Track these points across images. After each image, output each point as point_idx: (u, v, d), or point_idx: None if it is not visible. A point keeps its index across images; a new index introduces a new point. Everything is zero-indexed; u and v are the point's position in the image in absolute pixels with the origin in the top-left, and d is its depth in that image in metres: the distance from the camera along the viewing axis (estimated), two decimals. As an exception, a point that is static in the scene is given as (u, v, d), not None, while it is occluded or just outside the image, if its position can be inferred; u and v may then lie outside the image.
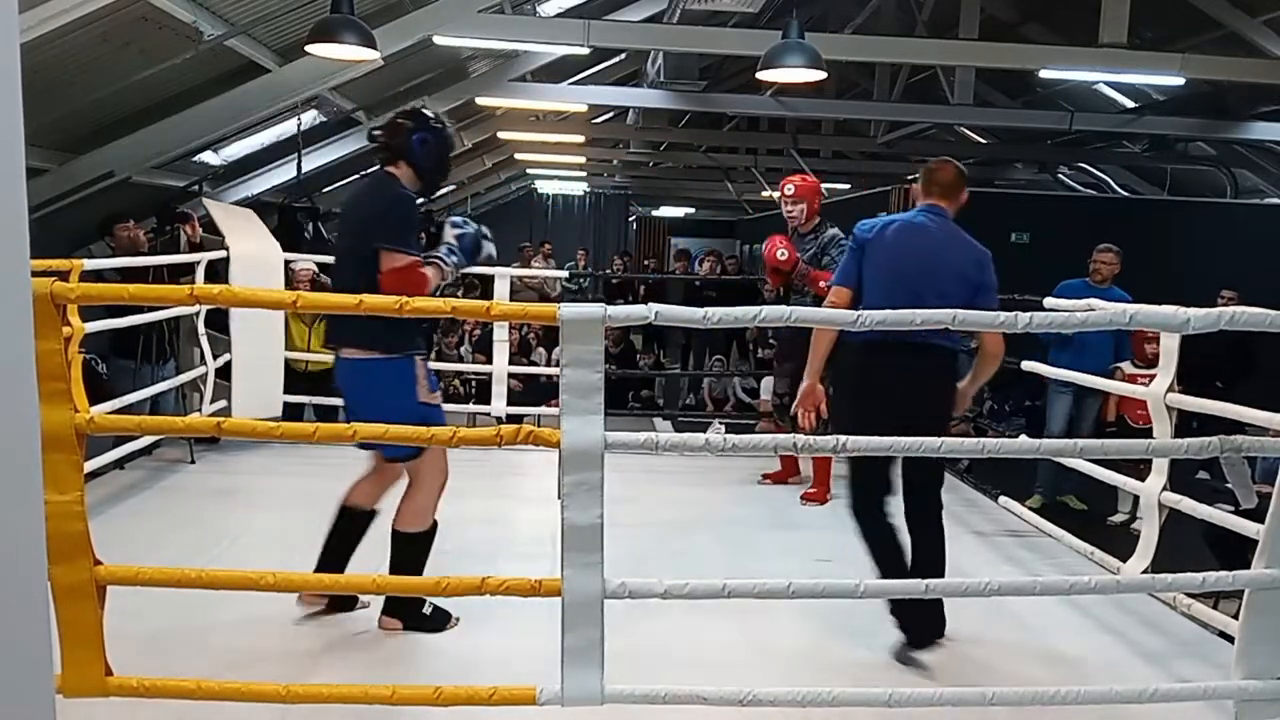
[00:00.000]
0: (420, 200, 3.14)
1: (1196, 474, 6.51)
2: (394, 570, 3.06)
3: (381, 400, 2.96)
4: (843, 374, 3.39)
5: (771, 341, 5.31)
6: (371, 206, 3.08)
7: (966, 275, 3.22)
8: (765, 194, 16.88)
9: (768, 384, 7.84)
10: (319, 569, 3.09)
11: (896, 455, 2.91)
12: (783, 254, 4.91)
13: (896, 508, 3.27)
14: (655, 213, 24.01)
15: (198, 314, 5.27)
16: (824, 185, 15.10)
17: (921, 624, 3.14)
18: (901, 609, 3.13)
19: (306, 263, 6.17)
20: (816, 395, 3.43)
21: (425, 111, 3.25)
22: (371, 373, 3.00)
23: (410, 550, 3.12)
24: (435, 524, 3.20)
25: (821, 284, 4.74)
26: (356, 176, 11.86)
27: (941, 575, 3.14)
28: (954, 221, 3.37)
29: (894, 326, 2.52)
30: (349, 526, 3.25)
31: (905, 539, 3.22)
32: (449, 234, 3.18)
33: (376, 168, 3.22)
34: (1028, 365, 4.99)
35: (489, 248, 3.30)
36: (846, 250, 3.45)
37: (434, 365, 8.98)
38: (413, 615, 3.16)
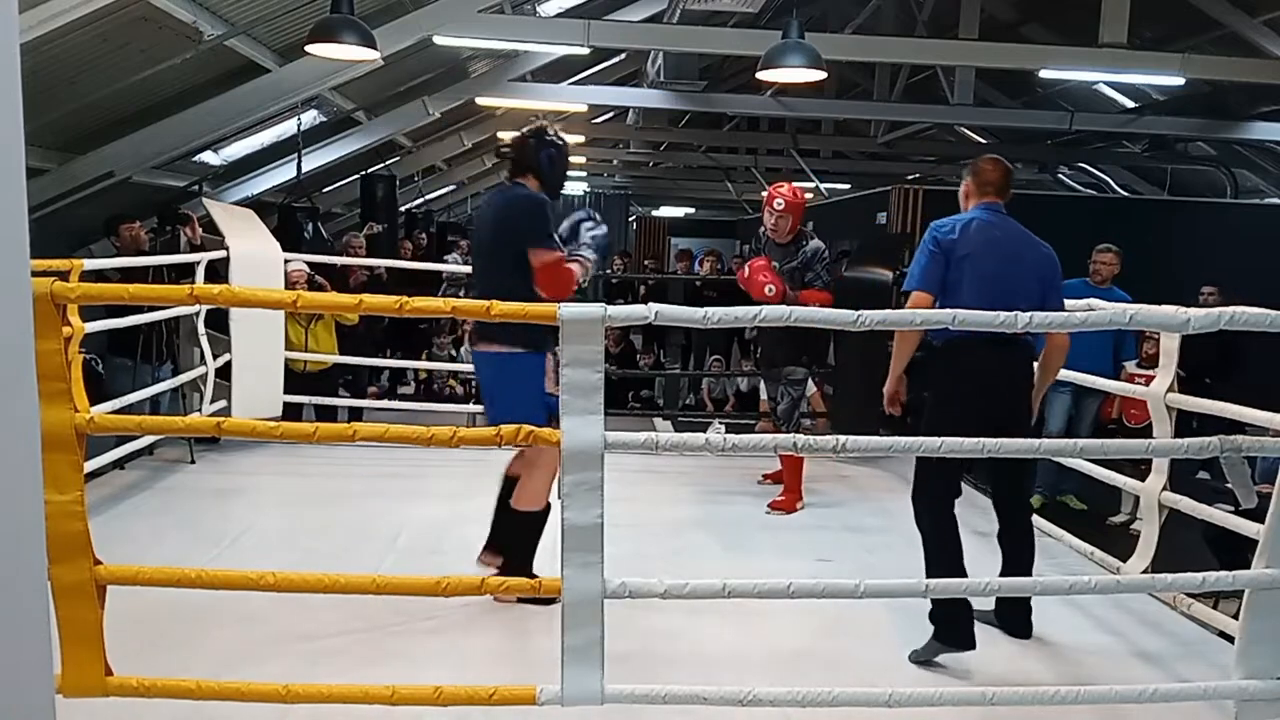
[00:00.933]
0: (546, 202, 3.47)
1: (1197, 474, 6.50)
2: (507, 546, 3.42)
3: (517, 389, 3.34)
4: (937, 376, 3.33)
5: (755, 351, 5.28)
6: (515, 214, 3.41)
7: (1044, 274, 3.29)
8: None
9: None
10: (492, 532, 3.57)
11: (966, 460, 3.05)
12: (770, 290, 4.72)
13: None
14: (655, 213, 24.00)
15: (198, 314, 5.27)
16: (824, 186, 15.12)
17: (1024, 619, 3.35)
18: (1005, 611, 3.34)
19: (298, 264, 6.16)
20: (899, 394, 3.51)
21: (548, 129, 3.57)
22: (512, 365, 3.35)
23: (524, 528, 3.43)
24: (549, 506, 3.39)
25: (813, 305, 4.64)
26: (355, 177, 11.91)
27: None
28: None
29: (894, 326, 2.53)
30: (509, 491, 3.62)
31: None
32: (586, 233, 3.57)
33: (505, 180, 3.59)
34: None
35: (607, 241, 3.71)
36: (924, 254, 3.29)
37: (433, 365, 8.91)
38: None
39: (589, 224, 3.61)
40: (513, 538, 3.46)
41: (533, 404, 3.22)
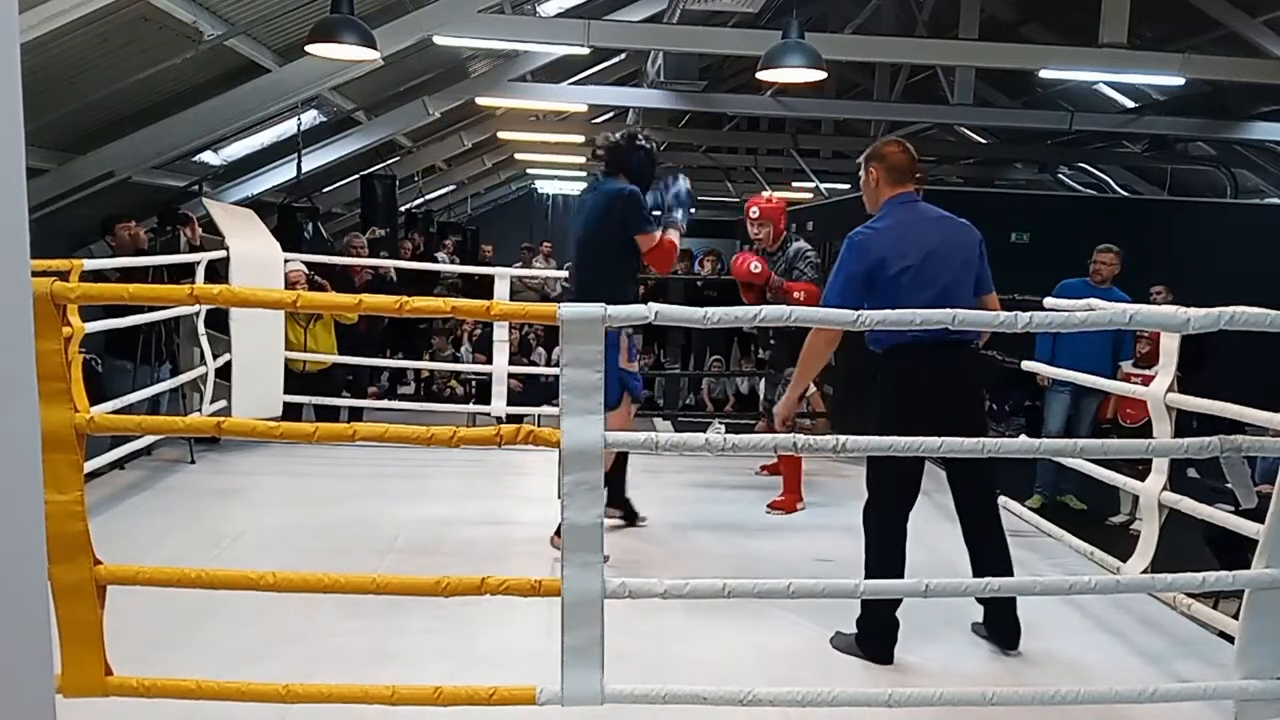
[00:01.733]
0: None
1: (1186, 471, 6.50)
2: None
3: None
4: (885, 379, 3.23)
5: (772, 341, 5.33)
6: (618, 207, 3.79)
7: (968, 257, 3.22)
8: (765, 194, 16.86)
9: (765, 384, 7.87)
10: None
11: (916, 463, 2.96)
12: (755, 267, 4.81)
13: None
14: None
15: (198, 314, 5.27)
16: (824, 185, 15.10)
17: (1012, 629, 3.22)
18: (994, 620, 3.23)
19: (296, 264, 6.16)
20: (788, 416, 3.56)
21: (639, 134, 4.04)
22: None
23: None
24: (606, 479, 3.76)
25: (796, 294, 4.70)
26: (355, 177, 11.90)
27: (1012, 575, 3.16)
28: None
29: (894, 326, 2.52)
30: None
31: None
32: (669, 195, 3.98)
33: (602, 178, 3.99)
34: (1028, 365, 4.99)
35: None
36: (842, 273, 3.18)
37: (433, 365, 8.92)
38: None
39: (671, 185, 3.99)
40: None
41: (611, 373, 3.51)
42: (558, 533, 3.72)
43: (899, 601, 3.09)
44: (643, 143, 3.98)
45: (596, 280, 3.69)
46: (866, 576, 3.07)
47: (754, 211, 4.95)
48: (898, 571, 3.07)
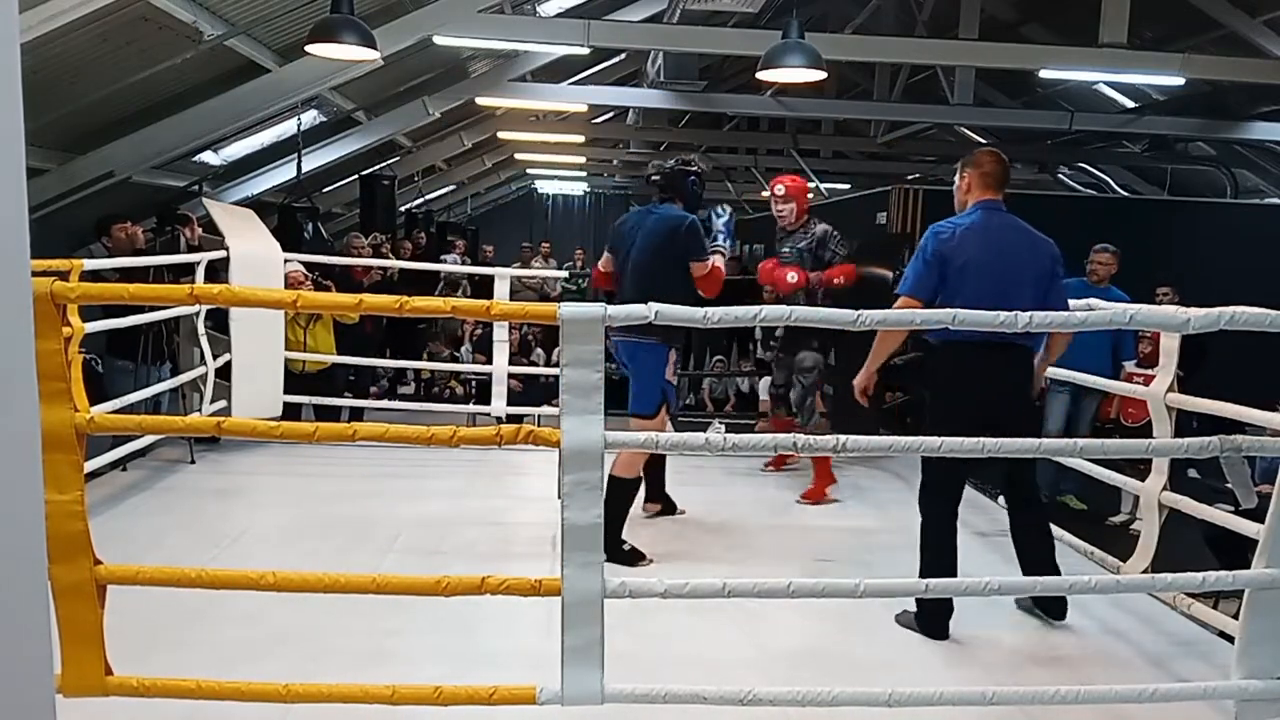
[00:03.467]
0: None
1: (1187, 472, 6.50)
2: (605, 507, 3.67)
3: (651, 371, 4.06)
4: (934, 370, 3.44)
5: (774, 340, 5.39)
6: (681, 234, 4.09)
7: (1042, 272, 3.34)
8: (765, 194, 16.84)
9: (765, 384, 7.87)
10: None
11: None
12: (793, 277, 4.97)
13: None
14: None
15: (198, 314, 5.27)
16: (824, 185, 15.09)
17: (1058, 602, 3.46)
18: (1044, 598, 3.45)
19: (294, 265, 6.16)
20: (868, 387, 3.63)
21: (693, 160, 4.31)
22: (649, 352, 4.04)
23: (618, 492, 3.83)
24: (640, 478, 4.11)
25: (837, 280, 4.91)
26: (354, 177, 11.89)
27: (1057, 571, 3.32)
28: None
29: (894, 326, 2.53)
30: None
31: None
32: (717, 223, 4.31)
33: (658, 203, 4.26)
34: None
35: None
36: (920, 260, 3.35)
37: (434, 366, 8.96)
38: (612, 550, 3.68)
39: (719, 215, 4.34)
40: (610, 501, 3.95)
41: (655, 384, 4.04)
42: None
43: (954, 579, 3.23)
44: (695, 169, 4.26)
45: (655, 297, 3.80)
46: (922, 561, 3.31)
47: (779, 189, 5.15)
48: (953, 563, 3.28)
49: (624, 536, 3.97)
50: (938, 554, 3.31)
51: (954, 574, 3.25)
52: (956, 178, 3.54)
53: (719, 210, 4.37)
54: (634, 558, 3.94)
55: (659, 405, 4.06)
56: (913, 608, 3.35)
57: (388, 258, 8.85)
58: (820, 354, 5.11)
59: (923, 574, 3.27)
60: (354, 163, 11.23)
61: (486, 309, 2.48)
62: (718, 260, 4.18)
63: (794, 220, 5.14)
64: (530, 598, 2.34)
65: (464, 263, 12.27)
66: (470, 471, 5.35)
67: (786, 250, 5.11)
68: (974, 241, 3.30)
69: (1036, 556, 3.44)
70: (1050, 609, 3.46)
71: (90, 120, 7.21)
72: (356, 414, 6.47)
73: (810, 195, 5.32)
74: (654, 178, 4.33)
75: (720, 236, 4.27)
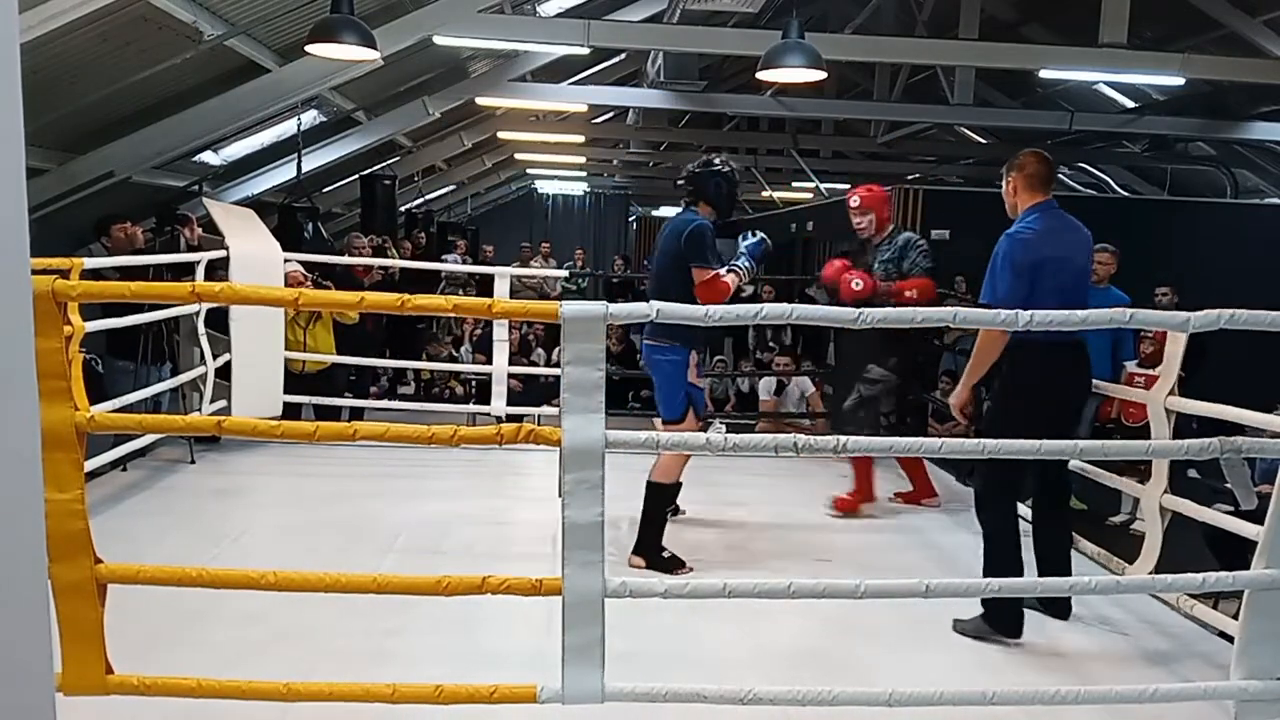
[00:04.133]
0: (715, 223, 4.12)
1: (1187, 472, 6.50)
2: (644, 513, 3.94)
3: (671, 376, 4.03)
4: (1005, 370, 3.41)
5: (771, 345, 5.32)
6: (684, 238, 4.01)
7: (1086, 266, 3.48)
8: (765, 194, 16.87)
9: (766, 384, 7.87)
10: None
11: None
12: (858, 285, 4.73)
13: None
14: (655, 213, 23.98)
15: (198, 314, 5.27)
16: (824, 186, 15.07)
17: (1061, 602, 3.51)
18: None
19: (295, 265, 6.16)
20: (965, 404, 3.59)
21: (715, 160, 4.23)
22: (667, 356, 4.02)
23: (657, 498, 3.95)
24: (679, 484, 4.11)
25: (908, 293, 4.65)
26: (354, 177, 11.89)
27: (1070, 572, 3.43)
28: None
29: (894, 325, 2.52)
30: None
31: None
32: (742, 244, 4.22)
33: (685, 206, 4.22)
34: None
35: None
36: (1007, 269, 3.30)
37: (434, 366, 8.96)
38: (653, 558, 3.91)
39: (746, 238, 4.26)
40: (649, 507, 3.95)
41: (679, 389, 4.01)
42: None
43: (1022, 579, 3.31)
44: (719, 168, 4.17)
45: (665, 299, 3.82)
46: (986, 563, 3.34)
47: (853, 201, 4.89)
48: (1018, 560, 3.33)
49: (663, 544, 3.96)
50: (1004, 557, 3.31)
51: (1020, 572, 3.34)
52: (1002, 183, 3.54)
53: (748, 234, 4.29)
54: (673, 565, 3.88)
55: (684, 410, 4.00)
56: (967, 615, 3.33)
57: (391, 258, 8.85)
58: (891, 372, 4.84)
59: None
60: (354, 163, 11.23)
61: (487, 307, 2.48)
62: (730, 278, 4.07)
63: (875, 231, 4.84)
64: (531, 597, 2.34)
65: (465, 262, 12.27)
66: (470, 471, 5.35)
67: (874, 264, 4.79)
68: (1048, 243, 3.34)
69: (1056, 558, 3.50)
70: (1055, 608, 3.48)
71: (90, 120, 7.21)
72: (356, 414, 6.47)
73: (891, 204, 5.05)
74: (679, 182, 4.30)
75: (742, 259, 4.17)
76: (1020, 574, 3.33)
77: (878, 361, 4.83)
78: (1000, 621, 3.28)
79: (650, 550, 3.93)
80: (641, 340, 4.27)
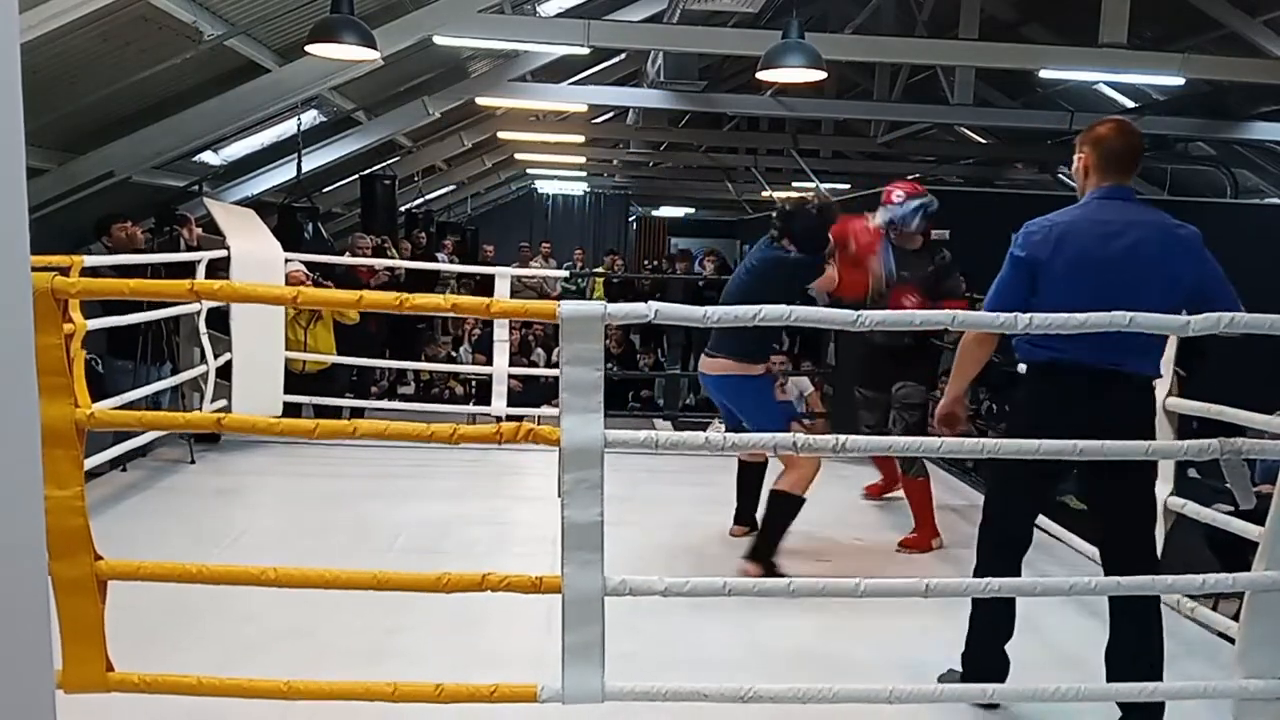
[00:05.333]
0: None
1: (1187, 472, 6.49)
2: (766, 521, 3.94)
3: (756, 400, 3.88)
4: (1018, 399, 2.97)
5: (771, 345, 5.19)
6: (764, 269, 4.07)
7: (1177, 276, 2.58)
8: (765, 194, 16.87)
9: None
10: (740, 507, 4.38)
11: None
12: (910, 303, 4.27)
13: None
14: (655, 213, 24.01)
15: (198, 313, 5.28)
16: (824, 186, 15.04)
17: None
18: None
19: (295, 264, 6.16)
20: (958, 417, 3.01)
21: (808, 202, 4.23)
22: (751, 384, 3.89)
23: (781, 508, 3.91)
24: (804, 499, 3.93)
25: (905, 300, 4.28)
26: (354, 177, 11.90)
27: (1160, 677, 2.59)
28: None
29: (894, 327, 2.51)
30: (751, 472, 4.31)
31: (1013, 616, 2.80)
32: (896, 210, 4.33)
33: (770, 241, 4.15)
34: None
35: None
36: (1007, 267, 2.74)
37: (434, 366, 8.94)
38: (765, 565, 3.87)
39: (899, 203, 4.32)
40: (772, 516, 3.94)
41: (772, 410, 3.95)
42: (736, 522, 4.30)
43: (1008, 636, 2.77)
44: (810, 209, 4.14)
45: (744, 332, 3.72)
46: (969, 632, 2.82)
47: (897, 195, 4.42)
48: (1002, 630, 2.77)
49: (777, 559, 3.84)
50: (980, 620, 2.77)
51: (1003, 655, 2.76)
52: (1075, 157, 2.80)
53: (899, 195, 4.36)
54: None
55: (785, 428, 3.84)
56: (957, 667, 2.86)
57: (392, 258, 8.86)
58: (924, 386, 4.46)
59: (969, 643, 2.81)
60: (354, 163, 11.23)
61: (486, 307, 2.48)
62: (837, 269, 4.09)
63: (914, 240, 4.43)
64: (531, 596, 2.34)
65: (453, 261, 12.27)
66: (470, 471, 5.35)
67: (905, 274, 4.35)
68: (1074, 240, 2.63)
69: (1139, 655, 2.63)
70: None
71: (90, 120, 7.21)
72: (357, 414, 6.47)
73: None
74: (773, 221, 4.21)
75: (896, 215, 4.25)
76: (1002, 662, 2.78)
77: (903, 379, 4.41)
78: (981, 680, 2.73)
79: (765, 559, 3.85)
80: (707, 376, 4.05)
